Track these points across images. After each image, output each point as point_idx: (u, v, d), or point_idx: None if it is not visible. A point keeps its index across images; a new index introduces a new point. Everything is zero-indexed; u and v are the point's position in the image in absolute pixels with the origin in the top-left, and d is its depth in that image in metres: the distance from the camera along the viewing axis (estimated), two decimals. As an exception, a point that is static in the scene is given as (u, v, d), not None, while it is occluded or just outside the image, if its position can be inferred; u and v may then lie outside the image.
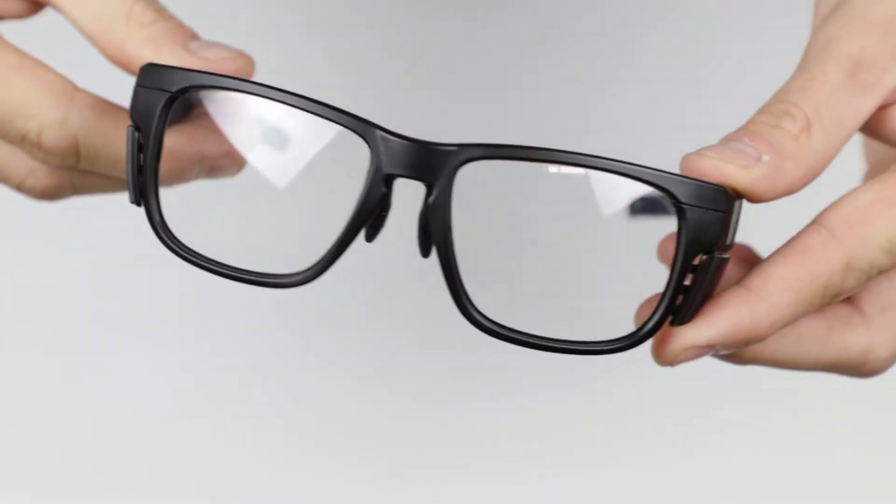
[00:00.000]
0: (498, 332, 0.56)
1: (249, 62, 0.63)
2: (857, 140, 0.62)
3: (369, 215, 0.56)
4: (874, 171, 0.66)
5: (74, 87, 0.63)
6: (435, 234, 0.55)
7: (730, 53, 0.91)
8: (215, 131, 0.62)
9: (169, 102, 0.58)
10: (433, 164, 0.55)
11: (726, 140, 0.57)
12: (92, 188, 0.66)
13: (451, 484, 0.94)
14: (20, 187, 0.65)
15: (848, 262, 0.56)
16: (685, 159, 0.57)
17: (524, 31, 0.89)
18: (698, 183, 0.55)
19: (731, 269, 0.63)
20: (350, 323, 0.91)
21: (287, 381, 0.93)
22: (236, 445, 0.95)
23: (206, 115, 0.62)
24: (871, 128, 0.60)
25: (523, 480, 0.94)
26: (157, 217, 0.59)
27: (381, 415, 0.93)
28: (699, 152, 0.56)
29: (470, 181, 0.56)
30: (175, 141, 0.62)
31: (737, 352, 0.59)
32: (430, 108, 0.89)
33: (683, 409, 0.95)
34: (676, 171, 0.56)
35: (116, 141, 0.63)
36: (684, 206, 0.55)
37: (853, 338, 0.60)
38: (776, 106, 0.58)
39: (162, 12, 0.63)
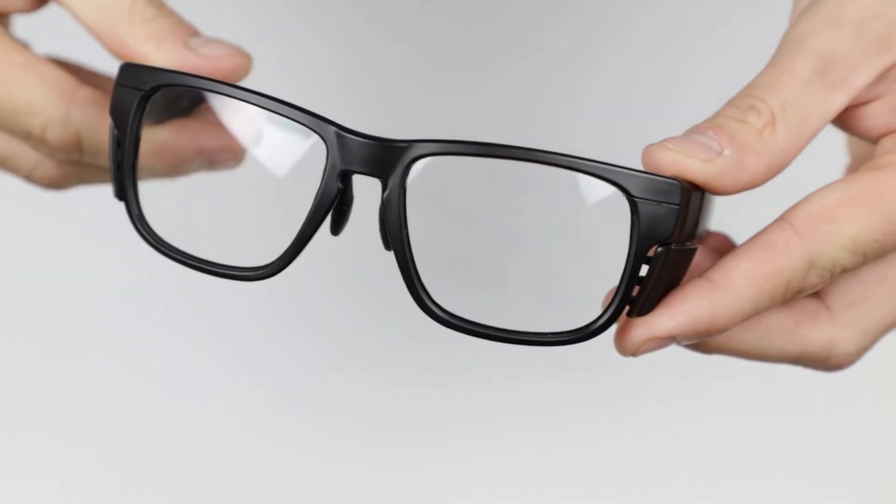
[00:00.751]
0: (454, 324, 0.57)
1: (247, 59, 0.64)
2: (841, 132, 0.62)
3: (327, 211, 0.57)
4: (856, 164, 0.66)
5: (77, 85, 0.65)
6: (390, 229, 0.57)
7: (707, 48, 0.91)
8: (215, 125, 0.64)
9: (143, 101, 0.60)
10: (387, 160, 0.56)
11: (690, 132, 0.57)
12: (96, 179, 0.68)
13: (443, 473, 0.96)
14: (28, 178, 0.68)
15: (811, 260, 0.56)
16: (647, 150, 0.57)
17: (508, 27, 0.89)
18: (650, 176, 0.56)
19: (704, 260, 0.63)
20: (338, 315, 0.93)
21: (280, 374, 0.95)
22: (231, 438, 0.97)
23: (207, 111, 0.64)
24: (843, 125, 0.60)
25: (514, 469, 0.95)
26: (135, 210, 0.61)
27: (371, 405, 0.94)
28: (661, 144, 0.57)
29: (426, 176, 0.57)
30: (172, 135, 0.64)
31: (701, 342, 0.60)
32: (414, 105, 0.90)
33: (673, 400, 0.95)
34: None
35: None
36: (636, 200, 0.56)
37: (818, 332, 0.60)
38: (743, 100, 0.58)
39: (163, 8, 0.65)
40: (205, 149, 0.65)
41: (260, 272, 0.59)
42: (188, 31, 0.64)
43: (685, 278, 0.59)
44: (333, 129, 0.57)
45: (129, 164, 0.60)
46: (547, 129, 0.87)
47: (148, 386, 0.97)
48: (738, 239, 0.63)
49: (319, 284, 0.91)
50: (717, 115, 0.57)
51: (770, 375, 0.81)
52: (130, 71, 0.60)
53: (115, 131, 0.61)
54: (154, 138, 0.63)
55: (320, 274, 0.88)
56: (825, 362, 0.61)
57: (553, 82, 0.90)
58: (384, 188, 0.57)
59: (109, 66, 0.67)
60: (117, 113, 0.60)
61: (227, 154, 0.65)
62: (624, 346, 0.58)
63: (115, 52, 0.64)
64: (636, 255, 0.56)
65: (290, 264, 0.58)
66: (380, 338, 0.93)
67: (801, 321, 0.60)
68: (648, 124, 0.90)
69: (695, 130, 0.57)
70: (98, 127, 0.65)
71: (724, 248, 0.63)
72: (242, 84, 0.59)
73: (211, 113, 0.64)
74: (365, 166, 0.57)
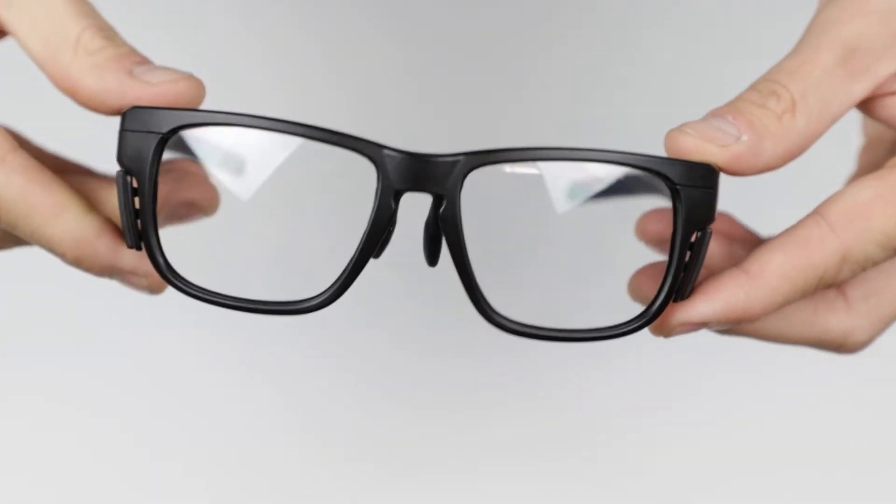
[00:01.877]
0: (518, 330, 0.58)
1: (196, 84, 0.60)
2: (856, 113, 0.64)
3: (382, 233, 0.57)
4: (871, 146, 0.68)
5: (12, 148, 0.61)
6: (450, 244, 0.57)
7: (726, 48, 0.93)
8: (177, 183, 0.62)
9: (161, 144, 0.58)
10: (439, 175, 0.56)
11: (710, 116, 0.59)
12: (9, 245, 0.65)
13: (446, 489, 0.95)
14: None
15: (844, 256, 0.59)
16: (669, 135, 0.58)
17: (523, 31, 0.89)
18: (688, 163, 0.58)
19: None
20: (352, 331, 0.91)
21: (291, 386, 0.93)
22: (239, 448, 0.94)
23: (174, 163, 0.62)
24: (865, 111, 0.62)
25: (519, 484, 0.96)
26: (160, 260, 0.58)
27: (379, 420, 0.93)
28: (681, 129, 0.58)
29: (473, 187, 0.57)
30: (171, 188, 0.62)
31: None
32: (425, 112, 0.89)
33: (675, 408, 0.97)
34: None
35: (41, 210, 0.61)
36: (678, 187, 0.58)
37: (835, 321, 0.63)
38: (765, 84, 0.59)
39: (113, 39, 0.60)
40: (175, 207, 0.63)
41: (313, 302, 0.57)
42: (134, 60, 0.60)
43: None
44: (384, 151, 0.56)
45: (150, 211, 0.58)
46: (562, 130, 0.87)
47: (149, 387, 0.92)
48: (742, 216, 0.66)
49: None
50: (738, 98, 0.59)
51: (769, 384, 0.83)
52: (140, 115, 0.58)
53: (129, 178, 0.58)
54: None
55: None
56: (839, 348, 0.64)
57: (565, 83, 0.90)
58: (438, 204, 0.57)
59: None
60: (130, 158, 0.58)
61: (195, 210, 0.63)
62: (660, 328, 0.59)
63: (58, 84, 0.60)
64: (682, 241, 0.58)
65: (346, 291, 0.57)
66: (387, 351, 0.92)
67: (820, 309, 0.63)
68: (667, 115, 0.91)
69: (715, 114, 0.59)
70: (20, 198, 0.61)
71: (726, 228, 0.66)
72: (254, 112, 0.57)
73: (178, 165, 0.62)
74: (419, 184, 0.56)
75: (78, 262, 0.61)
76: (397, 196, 0.57)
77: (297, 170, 0.59)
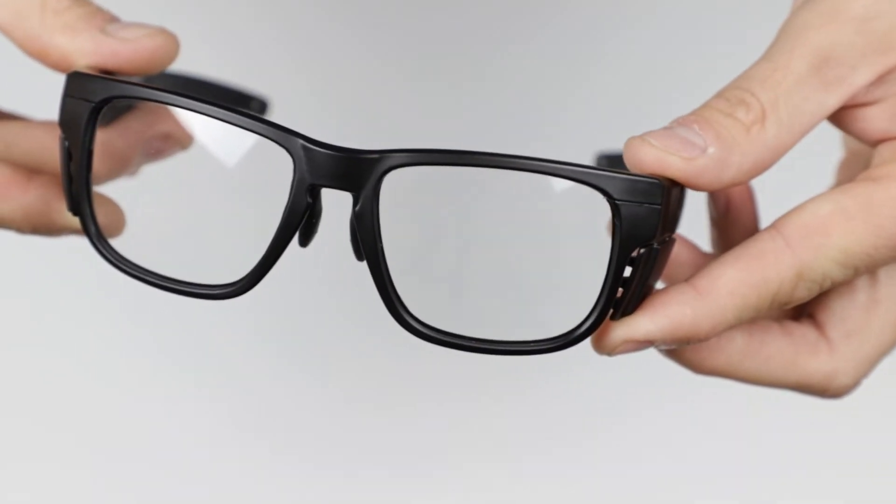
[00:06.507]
0: (432, 337, 0.55)
1: (170, 38, 0.60)
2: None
3: (296, 226, 0.55)
4: (849, 161, 0.64)
5: None
6: (363, 242, 0.55)
7: (693, 35, 0.89)
8: (159, 115, 0.61)
9: (93, 113, 0.57)
10: (357, 172, 0.54)
11: (675, 125, 0.55)
12: None
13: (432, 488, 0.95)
14: None
15: (800, 273, 0.55)
16: (629, 144, 0.55)
17: (498, 30, 0.87)
18: (631, 177, 0.54)
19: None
20: (312, 325, 0.91)
21: (247, 384, 0.94)
22: (219, 454, 0.96)
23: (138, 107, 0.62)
24: (838, 124, 0.58)
25: (503, 483, 0.95)
26: (91, 227, 0.58)
27: (368, 420, 0.93)
28: (643, 138, 0.54)
29: (398, 185, 0.55)
30: (118, 136, 0.61)
31: (696, 362, 0.59)
32: (387, 108, 0.88)
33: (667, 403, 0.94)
34: None
35: None
36: (618, 203, 0.54)
37: (817, 364, 0.59)
38: (733, 92, 0.55)
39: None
40: (150, 141, 0.62)
41: (229, 290, 0.56)
42: (105, 18, 0.60)
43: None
44: (300, 141, 0.54)
45: (83, 178, 0.58)
46: (525, 129, 0.85)
47: (136, 396, 0.95)
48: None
49: (290, 294, 0.89)
50: (704, 106, 0.55)
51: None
52: (78, 81, 0.57)
53: (66, 143, 0.58)
54: (99, 140, 0.60)
55: (290, 283, 0.86)
56: (824, 392, 0.60)
57: (529, 81, 0.87)
58: (356, 202, 0.54)
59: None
60: (67, 125, 0.57)
61: (171, 142, 0.62)
62: (601, 345, 0.56)
63: (28, 50, 0.60)
64: (619, 258, 0.55)
65: (259, 282, 0.56)
66: (356, 349, 0.92)
67: (801, 352, 0.59)
68: (633, 118, 0.88)
69: (680, 123, 0.55)
70: None
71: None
72: (197, 95, 0.56)
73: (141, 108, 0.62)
74: (334, 180, 0.54)
75: (36, 231, 0.62)
76: (313, 190, 0.55)
77: (234, 154, 0.58)
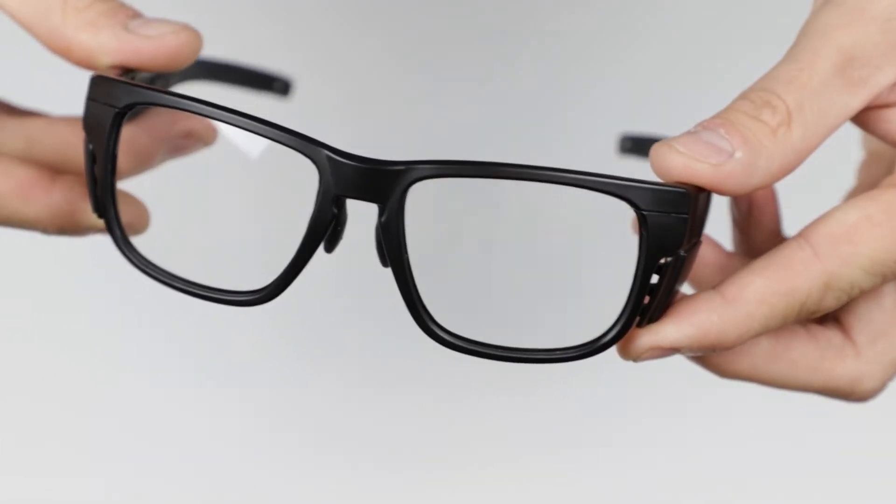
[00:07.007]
0: (458, 346, 0.55)
1: (194, 35, 0.59)
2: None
3: (321, 236, 0.55)
4: (870, 161, 0.63)
5: None
6: (389, 252, 0.54)
7: (710, 36, 0.87)
8: (174, 114, 0.61)
9: (117, 118, 0.57)
10: (383, 184, 0.54)
11: (700, 129, 0.54)
12: None
13: (437, 486, 0.95)
14: None
15: (828, 282, 0.55)
16: (655, 151, 0.54)
17: (503, 32, 0.86)
18: (658, 188, 0.54)
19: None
20: (343, 326, 0.91)
21: (277, 385, 0.94)
22: (227, 448, 0.96)
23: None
24: (860, 124, 0.57)
25: (509, 483, 0.95)
26: (117, 231, 0.58)
27: (368, 417, 0.93)
28: (669, 145, 0.54)
29: (423, 196, 0.54)
30: (141, 133, 0.61)
31: (721, 366, 0.59)
32: (409, 116, 0.87)
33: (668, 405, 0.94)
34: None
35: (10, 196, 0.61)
36: (645, 213, 0.54)
37: (843, 368, 0.59)
38: (758, 94, 0.55)
39: None
40: (174, 138, 0.62)
41: (255, 297, 0.56)
42: (128, 14, 0.59)
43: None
44: (325, 152, 0.54)
45: (108, 182, 0.57)
46: (548, 135, 0.84)
47: (140, 389, 0.95)
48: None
49: (316, 299, 0.89)
50: (729, 108, 0.54)
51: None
52: (102, 85, 0.57)
53: (91, 146, 0.57)
54: (122, 137, 0.60)
55: (316, 288, 0.85)
56: (849, 396, 0.60)
57: (549, 86, 0.86)
58: (381, 212, 0.54)
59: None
60: (91, 128, 0.57)
61: (194, 139, 0.62)
62: (626, 352, 0.56)
63: (51, 47, 0.60)
64: (646, 268, 0.55)
65: (285, 289, 0.56)
66: (379, 352, 0.92)
67: (827, 356, 0.59)
68: (654, 120, 0.87)
69: (705, 126, 0.54)
70: None
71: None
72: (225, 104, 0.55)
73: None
74: (360, 192, 0.54)
75: (62, 232, 0.61)
76: (338, 201, 0.54)
77: (260, 162, 0.58)
